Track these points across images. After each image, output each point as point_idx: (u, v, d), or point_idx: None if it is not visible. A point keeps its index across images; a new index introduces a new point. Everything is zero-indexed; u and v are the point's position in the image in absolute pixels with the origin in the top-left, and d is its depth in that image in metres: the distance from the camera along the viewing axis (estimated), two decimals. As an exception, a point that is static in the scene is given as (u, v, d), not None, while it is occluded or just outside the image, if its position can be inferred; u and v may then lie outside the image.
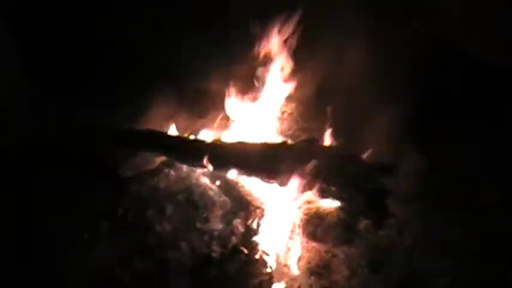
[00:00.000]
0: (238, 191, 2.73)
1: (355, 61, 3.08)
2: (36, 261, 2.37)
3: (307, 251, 2.48)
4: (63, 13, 3.31)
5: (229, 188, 2.76)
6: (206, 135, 3.08)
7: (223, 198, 2.70)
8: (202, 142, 2.78)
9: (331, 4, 3.14)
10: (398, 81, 3.06)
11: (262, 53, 3.15)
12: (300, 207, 2.60)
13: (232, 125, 3.16)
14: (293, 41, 3.11)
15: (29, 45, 3.24)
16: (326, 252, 2.48)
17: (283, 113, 3.27)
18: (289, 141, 2.89)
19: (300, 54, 3.16)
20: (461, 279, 2.33)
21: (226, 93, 3.13)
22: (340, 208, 2.56)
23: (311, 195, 2.53)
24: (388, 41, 3.19)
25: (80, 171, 2.80)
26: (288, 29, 3.08)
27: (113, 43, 3.42)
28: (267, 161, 2.58)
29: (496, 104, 3.20)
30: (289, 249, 2.46)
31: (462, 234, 2.51)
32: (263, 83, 3.17)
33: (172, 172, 2.85)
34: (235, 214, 2.60)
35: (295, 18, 3.06)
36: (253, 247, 2.43)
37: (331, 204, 2.58)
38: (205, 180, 2.81)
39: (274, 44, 3.11)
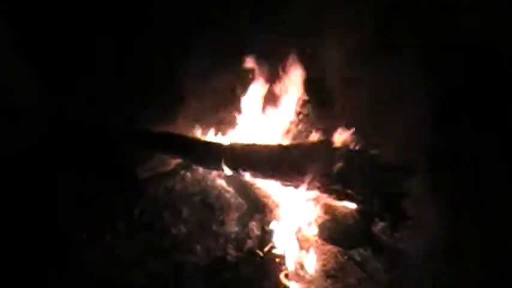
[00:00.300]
0: (254, 193, 2.73)
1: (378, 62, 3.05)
2: (55, 261, 2.41)
3: (323, 253, 2.48)
4: (64, 13, 3.33)
5: (245, 191, 2.76)
6: (222, 137, 3.09)
7: (239, 200, 2.71)
8: (219, 144, 2.79)
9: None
10: (419, 81, 2.99)
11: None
12: (315, 210, 2.59)
13: (247, 127, 3.15)
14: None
15: (29, 45, 3.24)
16: (342, 254, 2.47)
17: (298, 114, 3.25)
18: (305, 143, 2.88)
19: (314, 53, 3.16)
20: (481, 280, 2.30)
21: (241, 95, 3.13)
22: (356, 211, 2.54)
23: (327, 197, 2.52)
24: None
25: (98, 173, 2.85)
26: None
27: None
28: (283, 163, 2.57)
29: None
30: (305, 251, 2.45)
31: (480, 235, 2.48)
32: (277, 86, 3.16)
33: (188, 174, 2.87)
34: (251, 216, 2.61)
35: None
36: (268, 250, 2.44)
37: (347, 206, 2.56)
38: (221, 183, 2.83)
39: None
